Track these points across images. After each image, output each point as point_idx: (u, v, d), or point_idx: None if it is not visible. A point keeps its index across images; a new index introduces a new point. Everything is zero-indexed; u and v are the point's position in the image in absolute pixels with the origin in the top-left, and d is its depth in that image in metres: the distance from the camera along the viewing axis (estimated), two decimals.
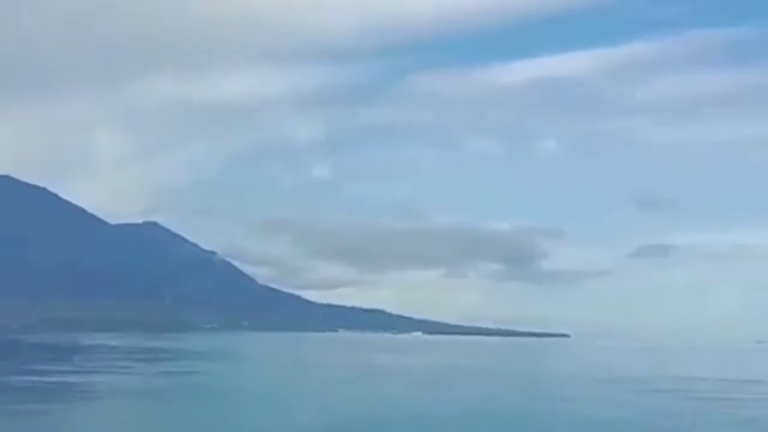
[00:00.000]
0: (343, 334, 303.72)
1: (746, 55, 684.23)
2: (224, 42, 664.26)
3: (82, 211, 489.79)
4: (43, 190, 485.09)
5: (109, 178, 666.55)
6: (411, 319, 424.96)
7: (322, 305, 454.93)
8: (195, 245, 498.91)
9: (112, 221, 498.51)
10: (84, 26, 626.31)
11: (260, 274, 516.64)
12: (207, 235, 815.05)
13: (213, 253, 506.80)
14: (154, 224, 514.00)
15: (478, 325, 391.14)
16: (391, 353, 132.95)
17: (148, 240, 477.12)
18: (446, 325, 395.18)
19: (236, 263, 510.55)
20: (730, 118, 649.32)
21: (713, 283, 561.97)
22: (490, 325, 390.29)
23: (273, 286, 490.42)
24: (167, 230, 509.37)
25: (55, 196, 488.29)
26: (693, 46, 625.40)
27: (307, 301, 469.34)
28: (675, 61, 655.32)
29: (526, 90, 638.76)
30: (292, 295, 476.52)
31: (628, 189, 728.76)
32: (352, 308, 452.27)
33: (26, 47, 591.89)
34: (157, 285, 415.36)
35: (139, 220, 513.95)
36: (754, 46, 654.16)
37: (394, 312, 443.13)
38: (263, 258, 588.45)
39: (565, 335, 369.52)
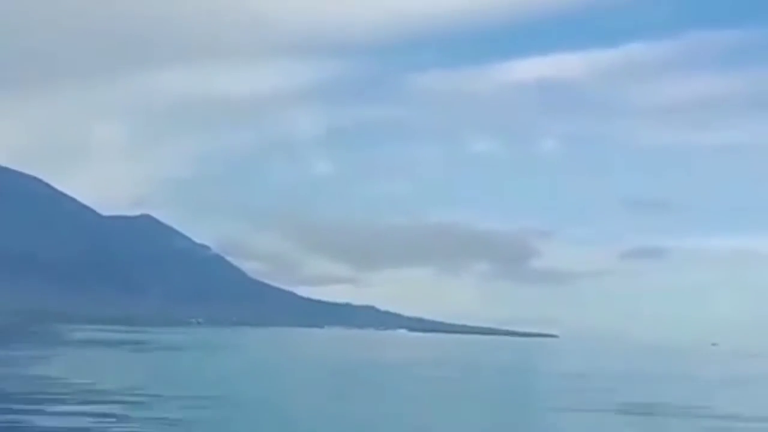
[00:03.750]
0: (328, 330, 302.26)
1: (743, 57, 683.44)
2: (223, 36, 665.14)
3: (75, 201, 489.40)
4: (37, 180, 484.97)
5: (104, 170, 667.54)
6: (400, 316, 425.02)
7: (311, 301, 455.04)
8: (187, 239, 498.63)
9: (105, 213, 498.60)
10: (82, 19, 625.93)
11: (253, 268, 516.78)
12: (201, 228, 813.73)
13: (206, 247, 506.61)
14: (148, 217, 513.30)
15: (466, 323, 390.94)
16: (336, 348, 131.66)
17: (140, 233, 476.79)
18: (434, 322, 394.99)
19: (230, 258, 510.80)
20: (727, 122, 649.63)
21: (701, 286, 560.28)
22: (479, 324, 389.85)
23: (264, 281, 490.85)
24: (160, 223, 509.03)
25: (49, 186, 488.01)
26: (690, 48, 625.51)
27: (297, 297, 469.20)
28: (672, 63, 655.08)
29: (523, 90, 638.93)
30: (282, 290, 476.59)
31: (622, 190, 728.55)
32: (343, 304, 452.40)
33: (26, 39, 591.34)
34: (146, 279, 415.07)
35: (133, 213, 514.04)
36: (751, 48, 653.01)
37: (384, 309, 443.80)
38: (257, 253, 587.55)
39: (553, 336, 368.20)
